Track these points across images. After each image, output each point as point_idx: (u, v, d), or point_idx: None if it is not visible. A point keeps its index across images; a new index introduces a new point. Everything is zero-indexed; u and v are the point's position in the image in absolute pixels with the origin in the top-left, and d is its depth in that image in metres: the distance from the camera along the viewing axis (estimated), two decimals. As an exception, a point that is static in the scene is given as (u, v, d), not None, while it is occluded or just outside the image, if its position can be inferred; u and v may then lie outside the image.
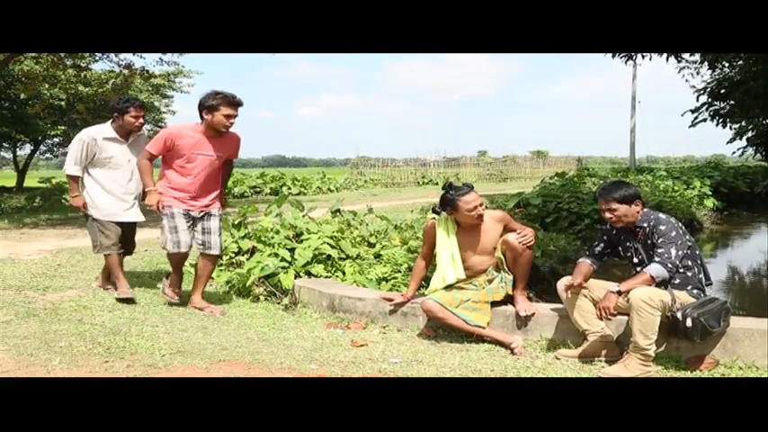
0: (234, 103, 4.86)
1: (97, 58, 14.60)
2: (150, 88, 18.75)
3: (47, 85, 17.48)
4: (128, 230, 5.46)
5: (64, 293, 5.44)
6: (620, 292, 3.77)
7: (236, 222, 6.71)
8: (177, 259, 5.12)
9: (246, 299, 5.58)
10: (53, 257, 7.18)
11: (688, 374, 3.66)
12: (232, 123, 4.93)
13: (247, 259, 6.08)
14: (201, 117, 4.89)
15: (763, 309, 7.03)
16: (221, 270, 6.34)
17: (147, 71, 14.92)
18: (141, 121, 5.33)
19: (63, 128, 23.10)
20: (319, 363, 3.83)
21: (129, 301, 5.13)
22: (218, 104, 4.80)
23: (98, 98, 16.59)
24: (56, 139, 26.12)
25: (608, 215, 4.03)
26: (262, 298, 5.51)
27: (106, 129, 5.29)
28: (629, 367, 3.65)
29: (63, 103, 19.86)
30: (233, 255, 6.43)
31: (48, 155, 30.12)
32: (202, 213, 5.05)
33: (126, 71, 14.44)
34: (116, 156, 5.27)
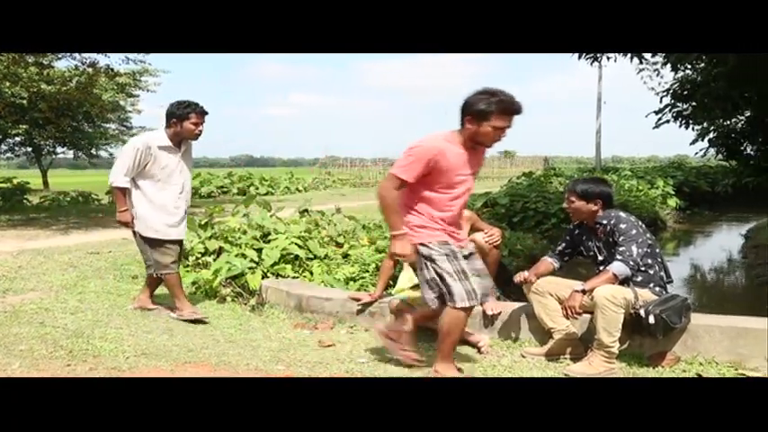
0: (514, 110, 3.43)
1: (60, 55, 14.34)
2: (115, 87, 18.48)
3: (8, 83, 17.11)
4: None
5: (25, 296, 5.33)
6: (584, 291, 3.82)
7: (202, 222, 6.64)
8: (464, 319, 3.51)
9: (213, 300, 5.53)
10: (14, 259, 7.03)
11: (650, 371, 3.72)
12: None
13: (214, 260, 6.02)
14: (462, 124, 3.45)
15: (723, 305, 7.18)
16: (187, 271, 6.27)
17: (112, 69, 14.67)
18: (201, 128, 4.81)
19: (25, 126, 22.63)
20: (286, 363, 3.81)
21: (201, 322, 4.72)
22: (492, 111, 3.35)
23: (61, 97, 16.28)
24: (17, 138, 25.57)
25: (565, 204, 4.18)
26: (228, 299, 5.47)
27: (161, 136, 4.75)
28: (594, 364, 3.70)
29: (25, 101, 19.46)
30: (199, 255, 6.36)
31: (9, 154, 29.47)
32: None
33: (90, 69, 14.17)
34: (169, 166, 4.75)
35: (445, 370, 3.51)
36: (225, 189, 21.81)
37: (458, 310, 3.39)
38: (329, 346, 4.22)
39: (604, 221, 4.01)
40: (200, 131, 4.81)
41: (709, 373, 3.64)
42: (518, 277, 4.19)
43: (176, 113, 4.70)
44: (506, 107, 3.37)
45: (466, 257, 3.52)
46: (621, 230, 3.91)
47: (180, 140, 4.80)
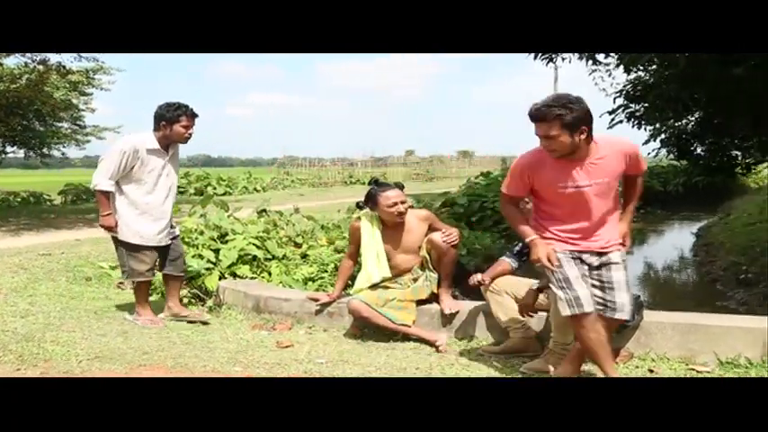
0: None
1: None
2: (68, 85, 17.99)
3: (-48, 81, 16.60)
4: (164, 251, 4.81)
5: (-28, 299, 5.18)
6: (540, 290, 3.86)
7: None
8: (581, 327, 3.29)
9: (169, 301, 5.44)
10: (-39, 261, 6.82)
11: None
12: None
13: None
14: (576, 133, 3.12)
15: (674, 303, 7.36)
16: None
17: (64, 67, 14.31)
18: (192, 131, 4.68)
19: (-30, 126, 21.95)
20: (244, 365, 3.77)
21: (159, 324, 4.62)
22: (588, 118, 3.15)
23: (11, 95, 15.81)
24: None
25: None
26: (185, 300, 5.39)
27: (150, 139, 4.59)
28: (551, 362, 3.75)
29: (-29, 99, 18.88)
30: (155, 256, 6.27)
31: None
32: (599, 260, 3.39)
33: (41, 67, 13.84)
34: (155, 170, 4.61)
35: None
36: (181, 189, 21.47)
37: (569, 318, 3.27)
38: (287, 346, 4.19)
39: None
40: (191, 134, 4.68)
41: (662, 369, 3.72)
42: (472, 280, 4.21)
43: (166, 116, 4.55)
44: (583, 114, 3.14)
45: (597, 267, 3.36)
46: None
47: (168, 144, 4.66)
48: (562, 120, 3.07)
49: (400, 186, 4.54)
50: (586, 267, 3.34)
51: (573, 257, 3.32)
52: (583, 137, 3.13)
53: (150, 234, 4.62)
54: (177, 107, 4.57)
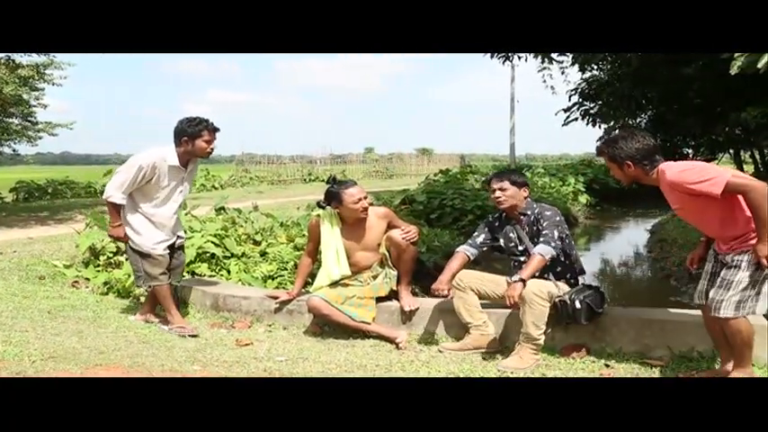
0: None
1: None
2: (18, 80, 17.52)
3: None
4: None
5: None
6: (523, 281, 3.83)
7: (113, 221, 6.44)
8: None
9: (126, 300, 5.37)
10: None
11: (563, 362, 3.89)
12: None
13: (126, 259, 5.85)
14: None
15: (630, 298, 7.53)
16: (98, 271, 6.07)
17: (14, 61, 13.95)
18: (213, 146, 4.57)
19: None
20: (202, 363, 3.74)
21: (195, 337, 4.43)
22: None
23: (-43, 90, 15.36)
24: None
25: (498, 194, 4.14)
26: (142, 299, 5.32)
27: (171, 155, 4.46)
28: (524, 358, 3.81)
29: None
30: (111, 255, 6.18)
31: None
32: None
33: (-12, 61, 13.48)
34: (171, 185, 4.52)
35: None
36: (138, 186, 21.13)
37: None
38: (247, 345, 4.17)
39: (528, 212, 4.13)
40: (213, 149, 4.58)
41: (618, 363, 3.81)
42: (436, 291, 4.18)
43: (187, 131, 4.44)
44: None
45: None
46: (546, 217, 4.04)
47: (188, 159, 4.58)
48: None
49: (354, 183, 4.58)
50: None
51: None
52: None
53: (161, 245, 4.54)
54: (198, 122, 4.47)
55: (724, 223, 3.27)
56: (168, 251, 4.60)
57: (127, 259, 5.04)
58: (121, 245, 5.96)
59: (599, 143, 3.66)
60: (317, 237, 4.60)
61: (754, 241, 3.12)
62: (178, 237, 4.73)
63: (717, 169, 3.21)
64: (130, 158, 4.52)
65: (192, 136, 4.44)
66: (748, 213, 3.12)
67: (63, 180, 20.30)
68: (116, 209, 4.47)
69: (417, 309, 4.46)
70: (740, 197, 3.14)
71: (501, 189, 4.13)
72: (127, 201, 4.47)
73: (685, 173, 3.23)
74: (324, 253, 4.55)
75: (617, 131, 3.59)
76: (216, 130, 4.55)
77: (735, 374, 3.35)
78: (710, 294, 3.31)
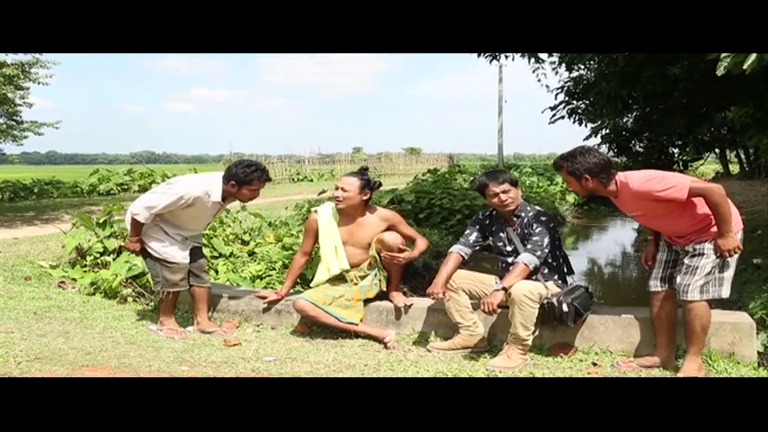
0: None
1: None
2: (2, 79, 17.38)
3: None
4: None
5: None
6: (504, 289, 3.86)
7: (101, 221, 6.40)
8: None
9: (113, 300, 5.35)
10: None
11: (551, 361, 3.91)
12: None
13: (114, 259, 5.83)
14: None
15: (617, 297, 7.56)
16: (85, 271, 6.04)
17: (-2, 59, 13.84)
18: (257, 194, 4.54)
19: None
20: (190, 364, 3.73)
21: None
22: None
23: (-59, 90, 15.21)
24: None
25: (503, 197, 4.10)
26: (130, 299, 5.31)
27: (216, 192, 4.41)
28: (513, 358, 3.83)
29: None
30: (98, 255, 6.14)
31: None
32: None
33: (-27, 60, 13.34)
34: (204, 215, 4.56)
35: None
36: (125, 186, 20.97)
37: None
38: (235, 345, 4.16)
39: (522, 214, 4.14)
40: (255, 197, 4.56)
41: (605, 362, 3.83)
42: (432, 295, 4.12)
43: (239, 176, 4.37)
44: None
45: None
46: (542, 222, 4.04)
47: (228, 196, 4.53)
48: None
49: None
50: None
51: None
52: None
53: (182, 258, 4.53)
54: (253, 170, 4.40)
55: (684, 221, 3.60)
56: (189, 258, 4.59)
57: (114, 259, 5.03)
58: (109, 245, 5.95)
59: (557, 159, 3.80)
60: (315, 232, 4.59)
61: (713, 230, 3.52)
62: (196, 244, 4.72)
63: (675, 176, 3.57)
64: (174, 183, 4.50)
65: (242, 183, 4.38)
66: (700, 210, 3.52)
67: (49, 180, 20.16)
68: (138, 226, 4.41)
69: (412, 304, 4.46)
70: (694, 198, 3.49)
71: (504, 192, 4.10)
72: (154, 219, 4.42)
73: (650, 182, 3.52)
74: (322, 248, 4.54)
75: (575, 147, 3.73)
76: (267, 180, 4.50)
77: (688, 359, 3.63)
78: (678, 280, 3.63)
